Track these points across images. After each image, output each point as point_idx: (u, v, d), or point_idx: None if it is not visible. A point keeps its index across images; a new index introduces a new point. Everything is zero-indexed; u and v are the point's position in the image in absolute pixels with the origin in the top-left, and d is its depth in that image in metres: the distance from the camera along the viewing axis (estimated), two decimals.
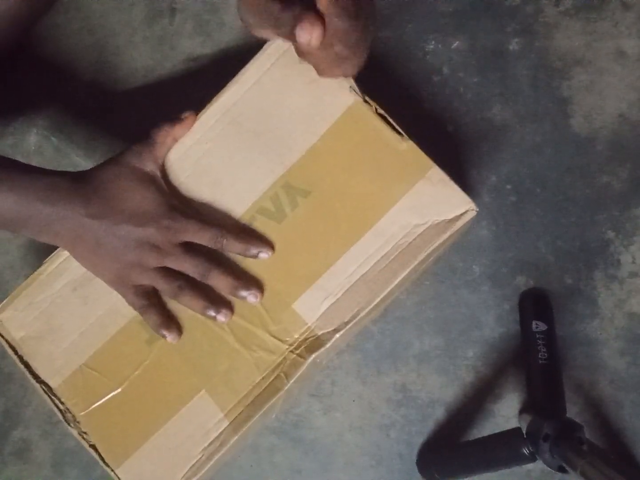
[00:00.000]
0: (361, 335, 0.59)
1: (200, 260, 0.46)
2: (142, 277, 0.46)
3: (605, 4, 0.59)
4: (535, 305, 0.57)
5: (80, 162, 0.63)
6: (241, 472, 0.60)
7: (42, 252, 0.62)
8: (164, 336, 0.46)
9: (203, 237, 0.46)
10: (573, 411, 0.56)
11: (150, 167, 0.47)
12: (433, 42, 0.60)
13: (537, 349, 0.55)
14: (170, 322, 0.47)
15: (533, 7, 0.59)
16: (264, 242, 0.46)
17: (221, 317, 0.46)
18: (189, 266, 0.46)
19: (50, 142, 0.64)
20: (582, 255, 0.57)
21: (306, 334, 0.46)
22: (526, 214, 0.58)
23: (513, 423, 0.57)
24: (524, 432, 0.49)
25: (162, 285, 0.46)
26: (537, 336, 0.55)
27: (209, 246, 0.46)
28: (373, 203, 0.45)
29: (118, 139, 0.63)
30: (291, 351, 0.46)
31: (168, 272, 0.46)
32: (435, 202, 0.44)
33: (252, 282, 0.46)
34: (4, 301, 0.50)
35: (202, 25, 0.63)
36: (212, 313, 0.46)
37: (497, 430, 0.53)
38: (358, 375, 0.59)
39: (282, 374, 0.46)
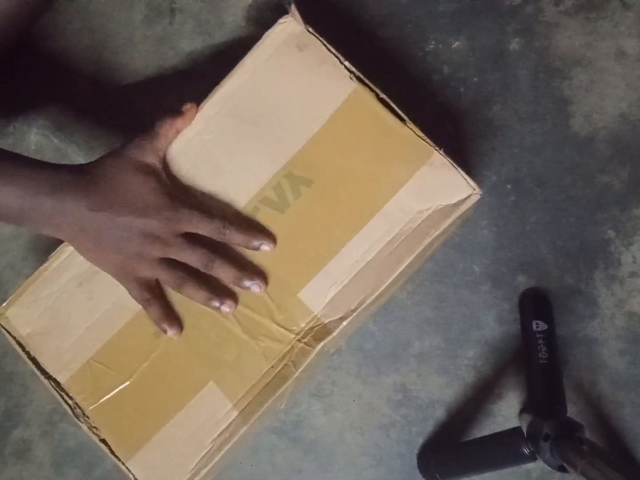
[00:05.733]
0: (361, 335, 0.59)
1: (203, 251, 0.45)
2: (145, 268, 0.46)
3: (605, 4, 0.59)
4: (535, 305, 0.57)
5: (80, 161, 0.63)
6: (241, 472, 0.60)
7: (42, 251, 0.62)
8: (164, 331, 0.46)
9: (205, 228, 0.46)
10: (573, 411, 0.56)
11: (151, 159, 0.47)
12: (433, 42, 0.60)
13: (538, 349, 0.55)
14: (172, 317, 0.47)
15: (533, 7, 0.59)
16: (267, 234, 0.46)
17: (225, 308, 0.46)
18: (191, 257, 0.45)
19: (50, 141, 0.64)
20: (582, 255, 0.57)
21: (312, 322, 0.46)
22: (526, 214, 0.58)
23: (513, 423, 0.57)
24: (525, 431, 0.49)
25: (165, 277, 0.46)
26: (538, 336, 0.55)
27: (212, 237, 0.46)
28: (376, 190, 0.45)
29: (118, 139, 0.63)
30: (298, 340, 0.46)
31: (171, 263, 0.46)
32: (439, 186, 0.44)
33: (256, 273, 0.46)
34: (10, 298, 0.50)
35: (202, 25, 0.63)
36: (216, 304, 0.46)
37: (497, 430, 0.53)
38: (358, 375, 0.59)
39: (290, 363, 0.45)
